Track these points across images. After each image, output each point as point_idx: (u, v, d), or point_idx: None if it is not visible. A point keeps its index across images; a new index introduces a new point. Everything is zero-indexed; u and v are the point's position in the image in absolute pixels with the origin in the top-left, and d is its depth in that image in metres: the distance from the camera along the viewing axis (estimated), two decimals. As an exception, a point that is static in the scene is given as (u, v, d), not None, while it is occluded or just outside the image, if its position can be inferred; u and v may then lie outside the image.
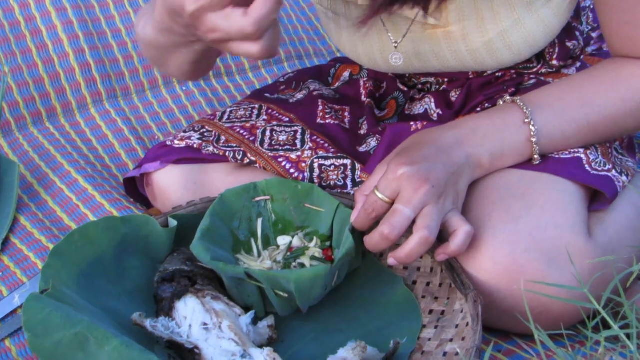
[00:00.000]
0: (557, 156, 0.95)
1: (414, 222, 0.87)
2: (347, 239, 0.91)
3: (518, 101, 0.94)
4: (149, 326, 0.84)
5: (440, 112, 1.09)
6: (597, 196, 0.96)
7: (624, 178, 0.96)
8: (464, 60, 1.01)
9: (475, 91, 1.08)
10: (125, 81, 1.35)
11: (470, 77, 1.09)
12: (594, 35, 1.10)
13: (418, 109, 1.12)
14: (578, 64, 1.08)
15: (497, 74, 1.08)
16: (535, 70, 1.07)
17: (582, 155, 0.95)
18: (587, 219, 0.93)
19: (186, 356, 0.85)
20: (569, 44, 1.06)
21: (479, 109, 1.06)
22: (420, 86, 1.14)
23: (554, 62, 1.06)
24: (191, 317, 0.87)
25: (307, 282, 0.88)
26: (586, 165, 0.94)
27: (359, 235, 0.92)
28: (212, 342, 0.84)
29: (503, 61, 1.00)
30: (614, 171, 0.95)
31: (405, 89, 1.14)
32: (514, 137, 0.93)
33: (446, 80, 1.11)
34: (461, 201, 0.91)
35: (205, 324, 0.86)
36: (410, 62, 1.04)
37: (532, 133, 0.92)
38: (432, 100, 1.10)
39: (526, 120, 0.93)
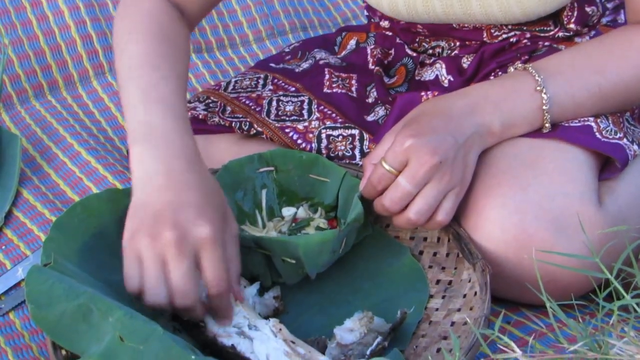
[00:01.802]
0: (567, 124, 0.94)
1: None
2: (356, 205, 0.91)
3: (530, 68, 0.93)
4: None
5: (452, 79, 1.07)
6: (607, 165, 0.95)
7: (635, 147, 0.95)
8: (488, 7, 0.98)
9: (487, 58, 1.06)
10: (128, 53, 1.33)
11: (485, 39, 1.07)
12: (609, 5, 1.09)
13: (428, 74, 1.10)
14: (593, 33, 1.07)
15: (511, 40, 1.06)
16: (551, 33, 1.05)
17: (592, 123, 0.94)
18: (598, 188, 0.92)
19: (190, 328, 0.85)
20: (588, 9, 1.04)
21: (491, 77, 1.05)
22: (430, 51, 1.12)
23: (571, 26, 1.04)
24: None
25: (315, 247, 0.88)
26: (597, 133, 0.93)
27: (367, 202, 0.91)
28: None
29: (529, 10, 0.98)
30: (625, 139, 0.94)
31: (415, 54, 1.13)
32: (525, 106, 0.91)
33: (458, 44, 1.10)
34: (470, 173, 0.89)
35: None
36: (433, 7, 1.01)
37: (544, 101, 0.91)
38: (443, 65, 1.09)
39: (538, 88, 0.91)
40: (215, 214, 0.81)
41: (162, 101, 0.87)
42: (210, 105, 1.09)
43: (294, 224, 0.98)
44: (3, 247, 1.03)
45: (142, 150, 0.84)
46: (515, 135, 0.93)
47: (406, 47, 1.13)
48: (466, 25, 1.07)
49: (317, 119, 1.06)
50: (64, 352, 0.79)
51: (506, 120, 0.91)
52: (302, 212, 0.99)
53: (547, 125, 0.92)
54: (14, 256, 1.02)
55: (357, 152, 1.03)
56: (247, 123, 1.05)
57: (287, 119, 1.06)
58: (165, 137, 0.84)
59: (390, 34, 1.15)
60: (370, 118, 1.08)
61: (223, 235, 0.81)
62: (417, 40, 1.13)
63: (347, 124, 1.05)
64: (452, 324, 0.86)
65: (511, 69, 0.95)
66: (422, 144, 0.85)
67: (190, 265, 0.78)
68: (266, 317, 0.86)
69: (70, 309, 0.78)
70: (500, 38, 1.07)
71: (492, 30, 1.07)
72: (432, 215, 0.87)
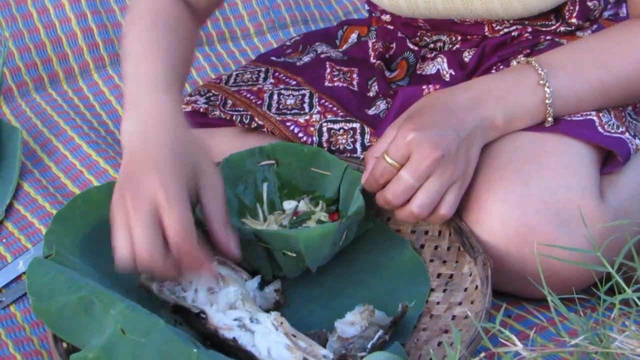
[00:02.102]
0: (569, 118, 0.93)
1: None
2: (357, 198, 0.91)
3: (533, 62, 0.92)
4: (155, 289, 0.83)
5: (453, 73, 1.07)
6: (610, 159, 0.95)
7: (637, 141, 0.95)
8: (489, 3, 0.98)
9: (489, 52, 1.06)
10: (129, 46, 1.33)
11: (486, 33, 1.07)
12: None
13: (430, 68, 1.10)
14: (595, 27, 1.06)
15: (513, 34, 1.06)
16: (553, 28, 1.05)
17: (595, 118, 0.93)
18: (600, 182, 0.92)
19: (192, 320, 0.84)
20: (589, 4, 1.04)
21: (493, 70, 1.04)
22: (432, 45, 1.12)
23: (573, 21, 1.04)
24: (197, 281, 0.86)
25: (316, 240, 0.88)
26: (599, 127, 0.93)
27: (369, 196, 0.91)
28: (218, 307, 0.84)
29: (531, 6, 0.98)
30: (627, 133, 0.94)
31: (416, 48, 1.12)
32: (528, 99, 0.91)
33: (459, 38, 1.09)
34: (472, 168, 0.89)
35: (211, 289, 0.85)
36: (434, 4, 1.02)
37: (547, 95, 0.91)
38: (445, 59, 1.09)
39: (541, 82, 0.91)
40: (180, 173, 0.82)
41: (148, 75, 0.91)
42: (211, 98, 1.09)
43: (295, 218, 0.98)
44: (4, 240, 1.03)
45: (126, 117, 0.88)
46: (518, 129, 0.92)
47: (408, 41, 1.13)
48: (467, 19, 1.07)
49: (318, 112, 1.06)
50: (65, 344, 0.80)
51: (509, 113, 0.91)
52: (303, 205, 0.99)
53: (549, 119, 0.92)
54: (15, 249, 1.02)
55: (358, 145, 1.03)
56: (248, 116, 1.05)
57: (288, 112, 1.06)
58: (145, 104, 0.88)
59: (391, 27, 1.15)
60: (371, 112, 1.07)
61: (183, 187, 0.81)
62: (418, 34, 1.13)
63: (348, 118, 1.05)
64: (453, 317, 0.86)
65: (514, 62, 0.95)
66: (425, 137, 0.85)
67: (148, 226, 0.79)
68: (267, 311, 0.86)
69: (71, 301, 0.78)
70: (501, 32, 1.07)
71: (494, 25, 1.07)
72: (434, 209, 0.87)
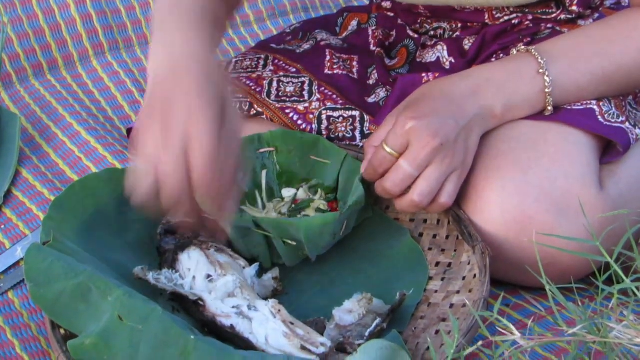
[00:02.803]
0: (569, 107, 0.93)
1: None
2: (357, 187, 0.91)
3: (532, 51, 0.92)
4: (151, 279, 0.83)
5: (453, 61, 1.07)
6: (609, 149, 0.95)
7: (637, 131, 0.94)
8: None
9: (489, 40, 1.06)
10: (128, 33, 1.33)
11: (486, 21, 1.07)
12: None
13: (430, 56, 1.09)
14: (596, 15, 1.06)
15: (513, 21, 1.06)
16: (554, 16, 1.04)
17: (595, 107, 0.93)
18: (599, 171, 0.91)
19: (190, 308, 0.84)
20: None
21: (493, 59, 1.04)
22: (432, 32, 1.12)
23: (574, 8, 1.03)
24: (195, 269, 0.86)
25: (317, 230, 0.88)
26: (599, 116, 0.92)
27: (368, 185, 0.91)
28: (216, 294, 0.83)
29: None
30: (627, 123, 0.93)
31: (416, 36, 1.12)
32: (527, 88, 0.91)
33: (460, 26, 1.09)
34: (471, 156, 0.89)
35: (209, 276, 0.85)
36: None
37: (547, 84, 0.91)
38: (445, 47, 1.08)
39: (540, 71, 0.91)
40: (210, 110, 0.79)
41: (180, 9, 0.88)
42: (210, 85, 1.08)
43: (293, 205, 0.97)
44: (2, 226, 1.03)
45: (154, 48, 0.85)
46: (517, 117, 0.92)
47: (408, 28, 1.13)
48: (467, 7, 1.06)
49: (318, 100, 1.06)
50: (62, 331, 0.80)
51: (508, 102, 0.91)
52: (302, 193, 0.99)
53: (549, 108, 0.92)
54: (13, 235, 1.02)
55: (357, 133, 1.03)
56: (248, 103, 1.04)
57: (288, 99, 1.06)
58: (173, 32, 0.85)
59: (392, 15, 1.14)
60: (370, 99, 1.07)
61: (218, 132, 0.79)
62: (418, 21, 1.12)
63: (347, 105, 1.05)
64: (451, 306, 0.86)
65: (514, 51, 0.95)
66: (423, 126, 0.85)
67: (177, 159, 0.77)
68: (265, 298, 0.86)
69: (69, 287, 0.78)
70: (502, 20, 1.06)
71: (494, 12, 1.06)
72: (434, 198, 0.87)
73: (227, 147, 0.80)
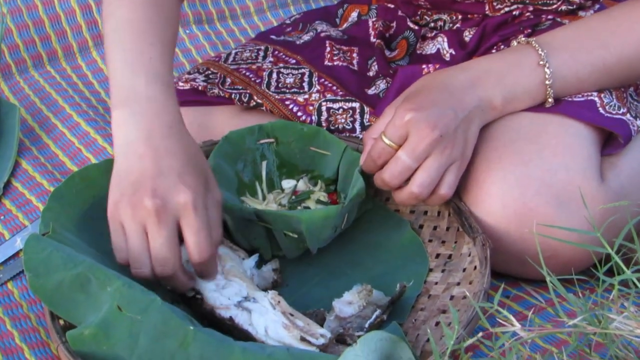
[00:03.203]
0: (570, 99, 0.93)
1: None
2: (357, 179, 0.90)
3: (533, 42, 0.92)
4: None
5: (453, 52, 1.06)
6: (610, 141, 0.94)
7: (638, 122, 0.94)
8: None
9: (490, 32, 1.05)
10: (128, 24, 1.32)
11: (487, 12, 1.06)
12: None
13: (430, 48, 1.09)
14: (597, 6, 1.05)
15: (514, 13, 1.05)
16: (554, 7, 1.04)
17: (596, 99, 0.93)
18: (600, 163, 0.91)
19: (189, 299, 0.84)
20: None
21: (493, 50, 1.03)
22: (432, 24, 1.11)
23: None
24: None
25: (318, 222, 0.87)
26: (600, 108, 0.92)
27: (368, 177, 0.91)
28: (215, 286, 0.83)
29: None
30: (628, 115, 0.93)
31: (416, 27, 1.12)
32: (528, 80, 0.90)
33: (460, 17, 1.09)
34: (471, 148, 0.89)
35: (208, 267, 0.85)
36: None
37: (547, 76, 0.90)
38: (445, 39, 1.08)
39: (541, 63, 0.90)
40: (197, 180, 0.80)
41: (145, 67, 0.85)
42: (210, 76, 1.08)
43: (294, 197, 0.97)
44: (2, 217, 1.03)
45: (122, 114, 0.83)
46: (517, 109, 0.92)
47: (408, 20, 1.12)
48: None
49: (318, 91, 1.05)
50: (62, 322, 0.79)
51: (508, 94, 0.90)
52: (302, 184, 0.99)
53: (549, 100, 0.92)
54: (13, 226, 1.02)
55: (357, 125, 1.03)
56: (247, 95, 1.04)
57: (288, 91, 1.05)
58: (146, 102, 0.83)
59: (392, 6, 1.14)
60: (371, 91, 1.07)
61: (205, 201, 0.80)
62: (418, 13, 1.12)
63: (347, 97, 1.04)
64: (452, 297, 0.86)
65: (514, 42, 0.94)
66: (422, 117, 0.85)
67: (170, 233, 0.78)
68: (264, 290, 0.86)
69: (68, 278, 0.77)
70: (502, 11, 1.06)
71: (494, 4, 1.06)
72: (434, 190, 0.87)
73: (212, 214, 0.81)
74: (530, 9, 1.05)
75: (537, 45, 0.91)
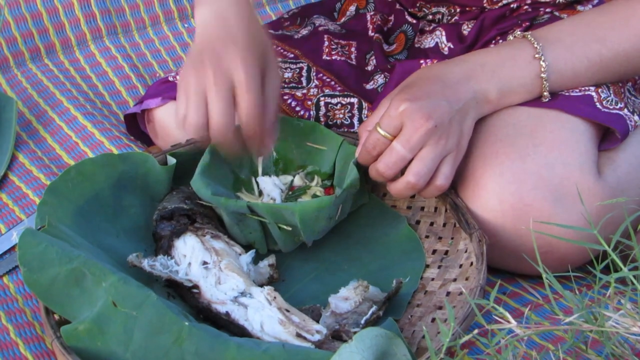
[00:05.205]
0: (567, 94, 0.92)
1: None
2: (351, 171, 0.90)
3: (529, 36, 0.91)
4: (146, 266, 0.82)
5: (452, 46, 1.06)
6: (607, 136, 0.94)
7: (635, 117, 0.94)
8: None
9: (488, 25, 1.05)
10: (126, 17, 1.32)
11: (485, 5, 1.06)
12: None
13: (428, 42, 1.09)
14: (595, 1, 1.05)
15: (512, 5, 1.05)
16: (552, 0, 1.04)
17: (593, 93, 0.92)
18: (597, 158, 0.91)
19: (185, 294, 0.84)
20: None
21: (492, 44, 1.03)
22: (430, 17, 1.11)
23: None
24: (190, 255, 0.86)
25: (312, 213, 0.87)
26: (597, 103, 0.92)
27: (364, 170, 0.90)
28: (211, 281, 0.83)
29: None
30: (625, 110, 0.93)
31: (414, 21, 1.11)
32: (523, 73, 0.90)
33: (458, 10, 1.08)
34: (466, 140, 0.88)
35: (205, 263, 0.85)
36: None
37: (543, 69, 0.90)
38: (443, 32, 1.07)
39: (536, 56, 0.90)
40: (256, 59, 0.86)
41: None
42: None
43: (290, 192, 0.97)
44: (-2, 211, 1.03)
45: (201, 9, 0.91)
46: (513, 103, 0.91)
47: (406, 13, 1.12)
48: None
49: (316, 86, 1.05)
50: (56, 317, 0.79)
51: (503, 87, 0.90)
52: (298, 180, 0.98)
53: (545, 93, 0.91)
54: (9, 220, 1.01)
55: (355, 120, 1.02)
56: (245, 89, 1.04)
57: (286, 85, 1.05)
58: None
59: (390, -1, 1.14)
60: (369, 86, 1.06)
61: (262, 79, 0.86)
62: (417, 5, 1.11)
63: (346, 92, 1.04)
64: (448, 294, 0.86)
65: (510, 37, 0.94)
66: (417, 108, 0.84)
67: (227, 102, 0.85)
68: (261, 285, 0.86)
69: (63, 272, 0.77)
70: (500, 4, 1.05)
71: None
72: (430, 180, 0.86)
73: (268, 94, 0.88)
74: (528, 1, 1.05)
75: (532, 39, 0.91)
